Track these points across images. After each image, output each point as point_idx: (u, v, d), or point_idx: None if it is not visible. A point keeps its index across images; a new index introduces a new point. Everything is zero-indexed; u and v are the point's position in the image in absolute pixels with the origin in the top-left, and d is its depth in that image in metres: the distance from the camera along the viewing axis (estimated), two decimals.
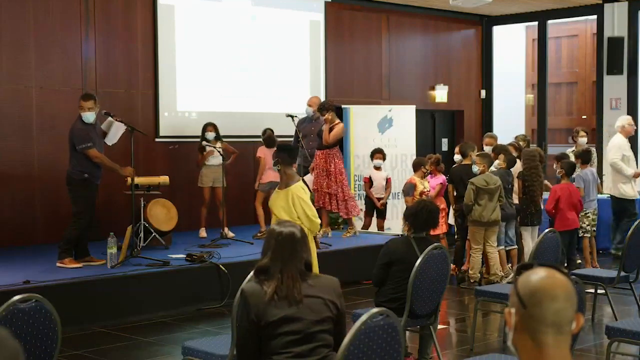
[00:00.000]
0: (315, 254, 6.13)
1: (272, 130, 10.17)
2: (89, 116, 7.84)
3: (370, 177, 10.70)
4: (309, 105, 10.03)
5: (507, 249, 9.19)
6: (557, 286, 2.06)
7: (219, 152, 9.61)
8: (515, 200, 9.35)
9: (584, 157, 9.91)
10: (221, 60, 11.09)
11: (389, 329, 3.50)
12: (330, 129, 9.61)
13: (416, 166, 9.81)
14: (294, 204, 6.09)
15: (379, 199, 10.53)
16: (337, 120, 9.78)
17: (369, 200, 10.65)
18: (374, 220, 10.82)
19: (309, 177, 9.76)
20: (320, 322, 3.56)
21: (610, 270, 7.42)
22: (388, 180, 10.65)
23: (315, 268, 5.37)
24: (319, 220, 6.31)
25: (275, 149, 6.95)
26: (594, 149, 11.30)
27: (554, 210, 8.99)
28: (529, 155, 9.35)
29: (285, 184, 6.21)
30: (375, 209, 10.62)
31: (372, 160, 10.68)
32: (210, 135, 9.82)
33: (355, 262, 9.08)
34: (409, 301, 5.36)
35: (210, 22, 11.02)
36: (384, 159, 10.62)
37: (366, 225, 10.73)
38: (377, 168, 10.62)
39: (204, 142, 9.80)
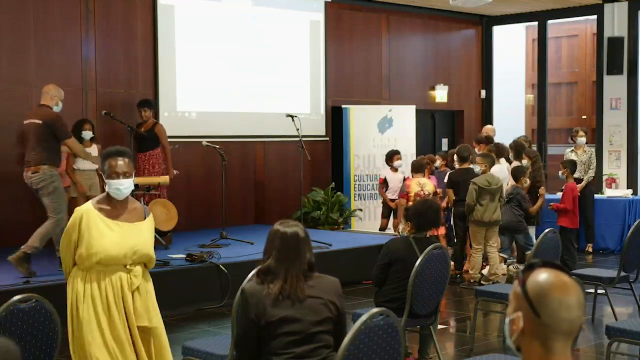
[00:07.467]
0: None
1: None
2: None
3: (385, 179, 10.52)
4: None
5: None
6: (571, 294, 2.02)
7: (220, 153, 9.54)
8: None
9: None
10: (221, 60, 11.07)
11: (389, 329, 3.50)
12: (153, 129, 9.40)
13: (418, 168, 9.59)
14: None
15: (393, 200, 10.29)
16: (154, 119, 9.65)
17: (384, 202, 10.51)
18: (377, 221, 10.77)
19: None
20: (320, 323, 3.56)
21: (610, 270, 7.41)
22: (406, 180, 10.35)
23: None
24: None
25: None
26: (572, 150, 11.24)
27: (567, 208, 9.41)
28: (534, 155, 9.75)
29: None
30: (392, 210, 10.38)
31: (391, 162, 10.43)
32: (87, 134, 8.73)
33: (355, 262, 9.07)
34: (409, 301, 5.35)
35: (210, 22, 11.01)
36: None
37: (382, 227, 10.62)
38: (395, 169, 10.48)
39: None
